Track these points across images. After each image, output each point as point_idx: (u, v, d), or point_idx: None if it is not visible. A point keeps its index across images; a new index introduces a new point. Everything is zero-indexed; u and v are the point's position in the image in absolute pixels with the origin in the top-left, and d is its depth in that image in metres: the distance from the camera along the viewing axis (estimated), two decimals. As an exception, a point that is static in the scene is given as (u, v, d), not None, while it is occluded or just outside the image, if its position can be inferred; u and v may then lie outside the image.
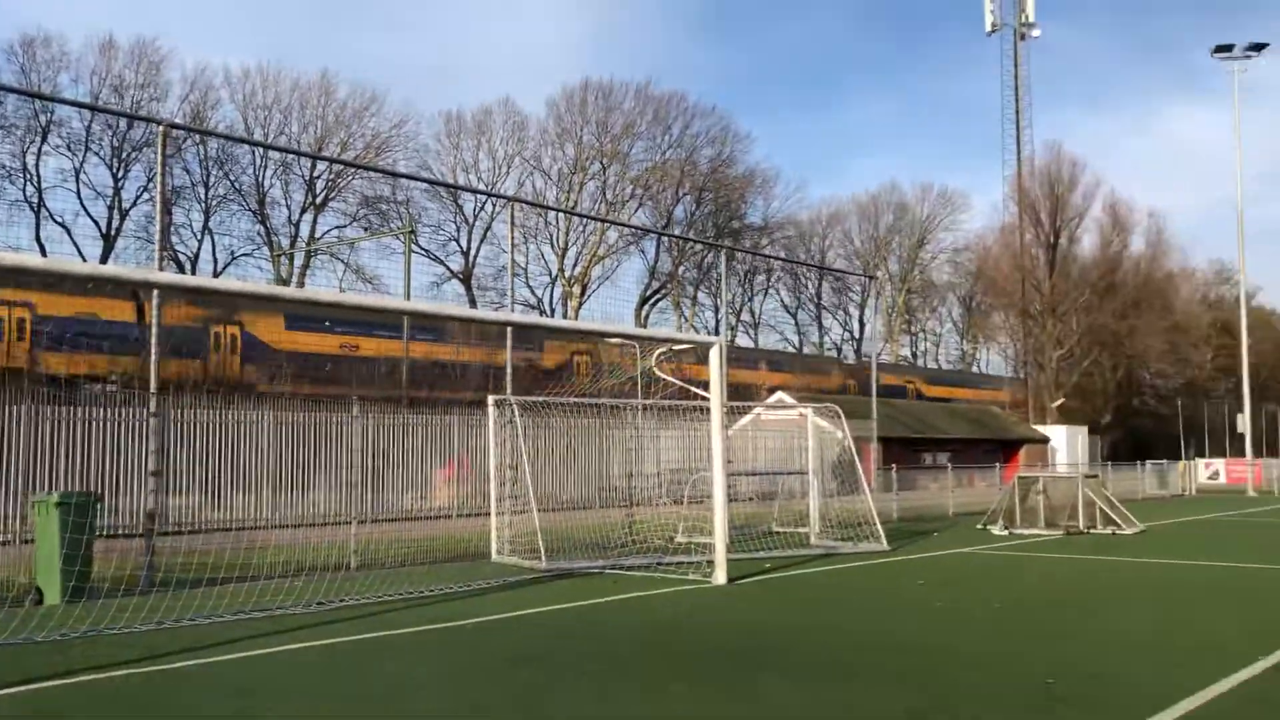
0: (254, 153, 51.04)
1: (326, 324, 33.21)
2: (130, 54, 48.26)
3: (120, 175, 47.30)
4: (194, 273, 47.14)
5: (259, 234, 52.52)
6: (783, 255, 71.69)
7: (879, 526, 17.71)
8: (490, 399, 16.02)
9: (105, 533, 14.85)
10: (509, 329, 16.60)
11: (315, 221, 54.80)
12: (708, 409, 13.63)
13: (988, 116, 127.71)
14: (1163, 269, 62.54)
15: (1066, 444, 50.00)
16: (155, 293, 12.82)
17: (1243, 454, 44.11)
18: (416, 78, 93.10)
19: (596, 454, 21.84)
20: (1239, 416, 45.35)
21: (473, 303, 57.23)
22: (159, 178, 13.13)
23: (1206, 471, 43.82)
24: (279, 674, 7.74)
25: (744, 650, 8.60)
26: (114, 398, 17.70)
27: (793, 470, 20.97)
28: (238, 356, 32.16)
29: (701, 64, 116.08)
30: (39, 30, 49.68)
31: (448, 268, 59.95)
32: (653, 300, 66.66)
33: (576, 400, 17.90)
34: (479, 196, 60.53)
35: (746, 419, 26.11)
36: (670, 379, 16.72)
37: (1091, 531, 20.15)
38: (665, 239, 64.15)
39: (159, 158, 13.23)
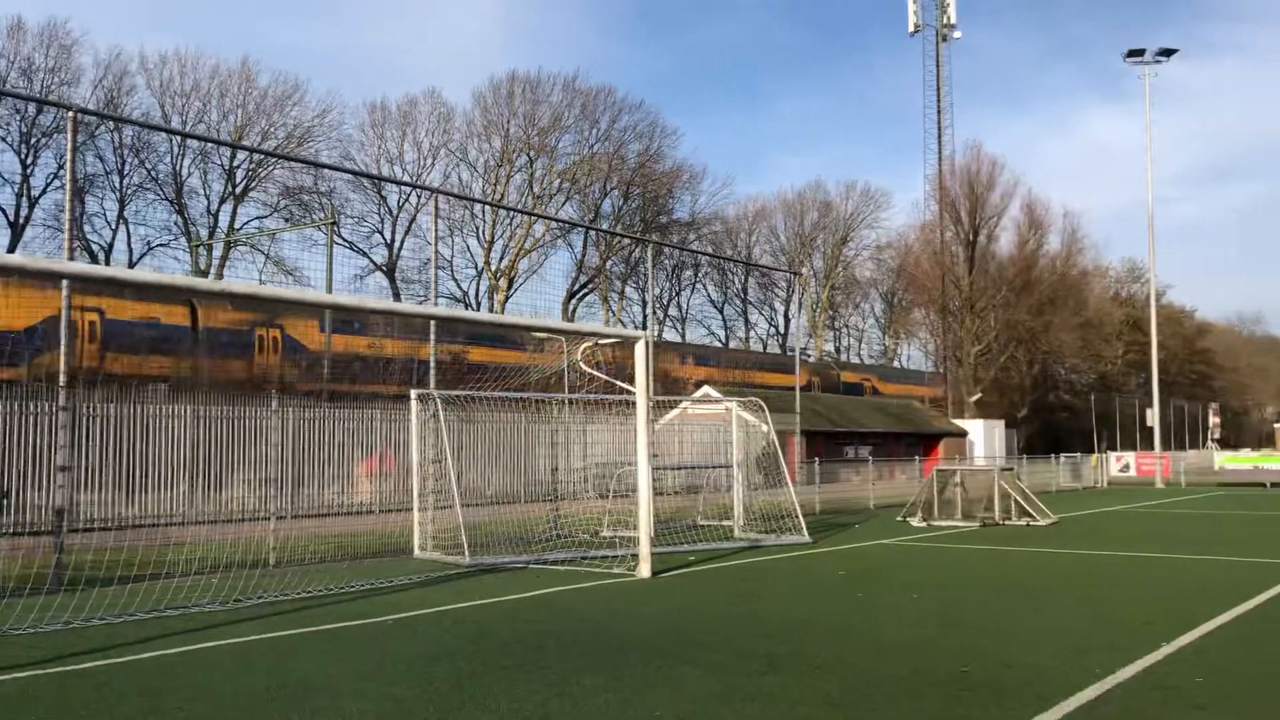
0: (171, 141, 49.82)
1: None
2: (40, 37, 46.84)
3: (29, 162, 45.88)
4: (108, 263, 45.83)
5: (176, 224, 51.31)
6: (710, 251, 72.13)
7: (801, 519, 17.93)
8: (413, 393, 15.88)
9: (12, 530, 14.41)
10: (432, 322, 16.44)
11: (235, 212, 53.74)
12: (634, 403, 13.67)
13: (910, 116, 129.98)
14: (1077, 267, 64.24)
15: (984, 437, 51.14)
16: (65, 283, 12.44)
17: (1152, 447, 45.53)
18: (340, 67, 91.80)
19: (522, 448, 21.77)
20: (1148, 411, 46.78)
21: (397, 296, 56.59)
22: (69, 165, 12.74)
23: (1117, 464, 45.10)
24: (191, 673, 7.58)
25: (665, 643, 8.65)
26: (22, 391, 17.16)
27: (718, 464, 21.12)
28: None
29: (629, 59, 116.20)
30: (-59, 10, 48.01)
31: (371, 260, 59.24)
32: (580, 294, 66.59)
33: (502, 394, 17.80)
34: (403, 188, 59.95)
35: (673, 413, 26.26)
36: (595, 373, 16.71)
37: (1007, 523, 20.63)
38: (593, 233, 64.14)
39: (69, 144, 12.86)
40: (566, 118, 63.61)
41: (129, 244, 49.88)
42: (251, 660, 8.06)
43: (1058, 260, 61.83)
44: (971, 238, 57.86)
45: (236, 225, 53.27)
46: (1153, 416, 45.47)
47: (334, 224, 41.40)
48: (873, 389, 61.74)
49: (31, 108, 44.15)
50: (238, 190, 53.15)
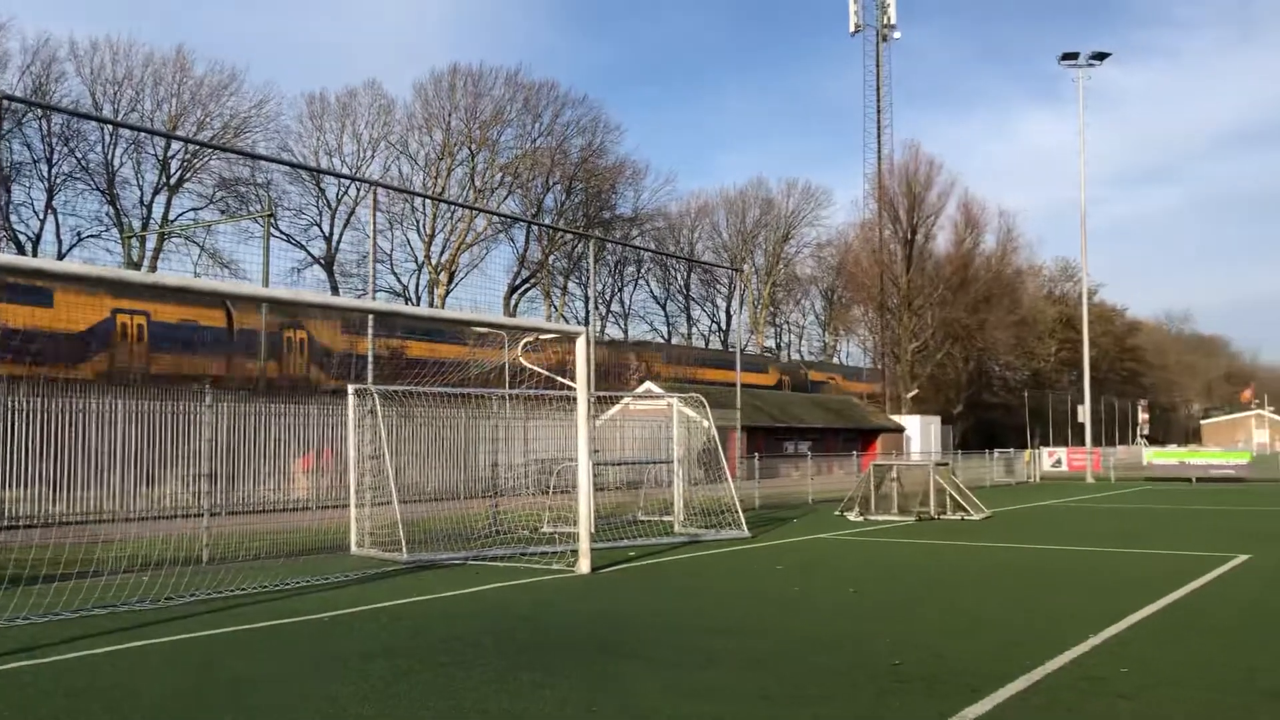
0: (102, 129, 48.67)
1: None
2: (-38, 21, 45.41)
3: (-49, 150, 44.50)
4: (35, 254, 44.69)
5: (108, 214, 50.20)
6: (652, 247, 72.26)
7: (740, 514, 18.04)
8: (350, 388, 15.70)
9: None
10: (370, 317, 16.27)
11: (169, 203, 52.67)
12: (575, 399, 13.65)
13: (851, 115, 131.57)
14: (1012, 266, 65.38)
15: (920, 433, 51.85)
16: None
17: (1083, 443, 46.50)
18: (278, 57, 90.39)
19: (462, 444, 21.63)
20: (1080, 407, 47.76)
21: (335, 290, 55.92)
22: (-7, 153, 12.39)
23: (1050, 459, 46.01)
24: (118, 673, 7.43)
25: (603, 638, 8.66)
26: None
27: (659, 459, 21.18)
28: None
29: (573, 54, 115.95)
30: None
31: (309, 253, 58.45)
32: (522, 289, 66.34)
33: (441, 390, 17.67)
34: (342, 180, 59.19)
35: (615, 409, 26.26)
36: (536, 369, 16.66)
37: (942, 517, 20.95)
38: (535, 228, 63.87)
39: (-7, 131, 12.51)
40: (509, 112, 63.34)
41: (58, 234, 48.78)
42: (182, 660, 7.92)
43: (993, 259, 62.87)
44: (909, 236, 58.58)
45: (171, 217, 52.26)
46: (1084, 413, 46.43)
47: (271, 216, 40.76)
48: (837, 389, 63.20)
49: (-46, 94, 42.84)
50: (172, 181, 52.10)
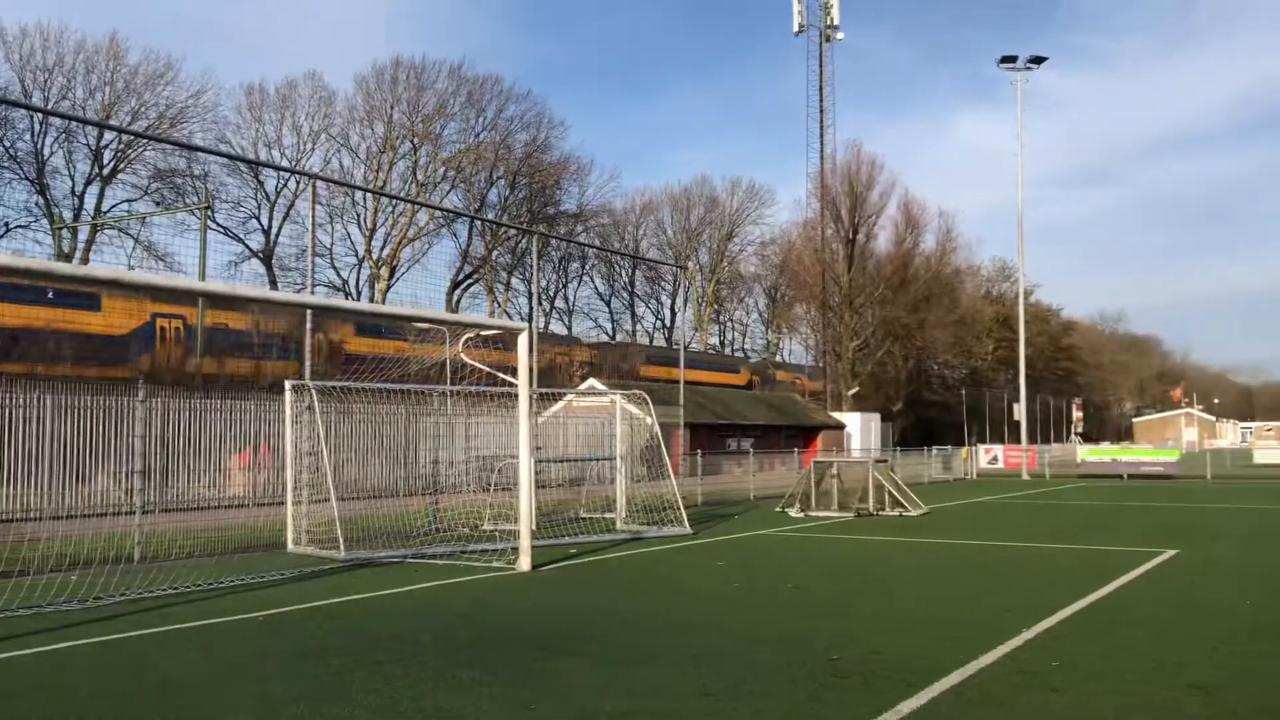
0: (32, 118, 47.38)
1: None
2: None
3: None
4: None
5: (37, 205, 48.84)
6: (597, 243, 72.19)
7: (683, 511, 18.09)
8: (288, 383, 15.47)
9: None
10: (308, 311, 16.04)
11: (102, 194, 51.44)
12: (516, 395, 13.57)
13: (795, 115, 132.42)
14: (951, 266, 66.37)
15: (861, 430, 52.41)
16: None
17: (1019, 440, 47.29)
18: (216, 46, 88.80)
19: (401, 441, 21.41)
20: (1016, 405, 48.57)
21: (274, 284, 55.08)
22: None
23: (986, 456, 46.73)
24: (42, 675, 7.24)
25: (543, 636, 8.62)
26: None
27: (601, 456, 21.15)
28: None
29: (517, 48, 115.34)
30: None
31: (247, 246, 57.55)
32: (465, 285, 65.86)
33: (381, 385, 17.47)
34: (282, 173, 58.30)
35: (558, 405, 26.17)
36: (479, 365, 16.54)
37: (881, 513, 21.18)
38: (478, 223, 63.44)
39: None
40: (452, 105, 62.83)
41: (-15, 225, 47.34)
42: (110, 661, 7.74)
43: (932, 259, 63.76)
44: (851, 235, 59.16)
45: (104, 208, 51.08)
46: (1019, 411, 47.22)
47: (208, 208, 40.05)
48: (803, 390, 64.03)
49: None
50: (105, 171, 50.92)
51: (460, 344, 16.72)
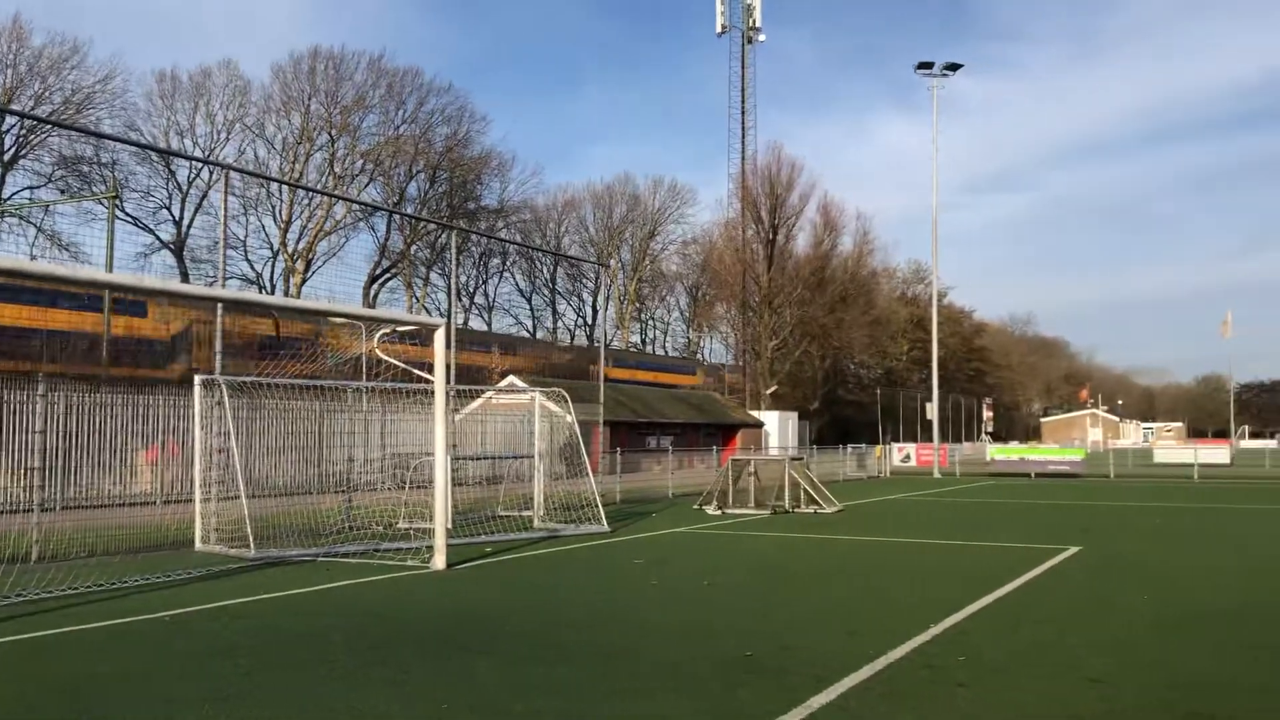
0: (-73, 100, 45.57)
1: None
2: None
3: None
4: None
5: (-68, 191, 47.01)
6: (518, 239, 71.80)
7: (600, 509, 18.09)
8: (197, 378, 15.11)
9: None
10: (219, 305, 15.68)
11: (2, 180, 49.59)
12: (433, 392, 13.44)
13: (717, 115, 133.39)
14: (867, 268, 67.46)
15: (779, 428, 53.02)
16: None
17: (931, 439, 48.26)
18: (126, 31, 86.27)
19: (316, 437, 21.04)
20: (928, 405, 49.56)
21: (185, 276, 53.72)
22: None
23: (899, 455, 47.61)
24: (-66, 680, 6.97)
25: (457, 635, 8.55)
26: None
27: (519, 454, 21.04)
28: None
29: (439, 41, 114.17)
30: None
31: (157, 237, 56.07)
32: (383, 279, 65.02)
33: (294, 381, 17.15)
34: (194, 163, 56.90)
35: (476, 403, 25.97)
36: (394, 361, 16.33)
37: (796, 511, 21.43)
38: (397, 217, 62.69)
39: None
40: (371, 97, 62.01)
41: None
42: (7, 663, 7.48)
43: (850, 260, 64.76)
44: (771, 236, 59.79)
45: (4, 195, 49.25)
46: (932, 410, 48.18)
47: (116, 197, 38.88)
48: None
49: None
50: (6, 158, 49.12)
51: (376, 339, 16.50)
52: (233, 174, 32.97)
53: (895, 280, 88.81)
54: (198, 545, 14.38)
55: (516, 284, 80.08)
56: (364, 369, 18.57)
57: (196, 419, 14.84)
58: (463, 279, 71.66)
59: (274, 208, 59.75)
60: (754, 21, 64.06)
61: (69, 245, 45.85)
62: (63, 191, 49.28)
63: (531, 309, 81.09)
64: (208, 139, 58.03)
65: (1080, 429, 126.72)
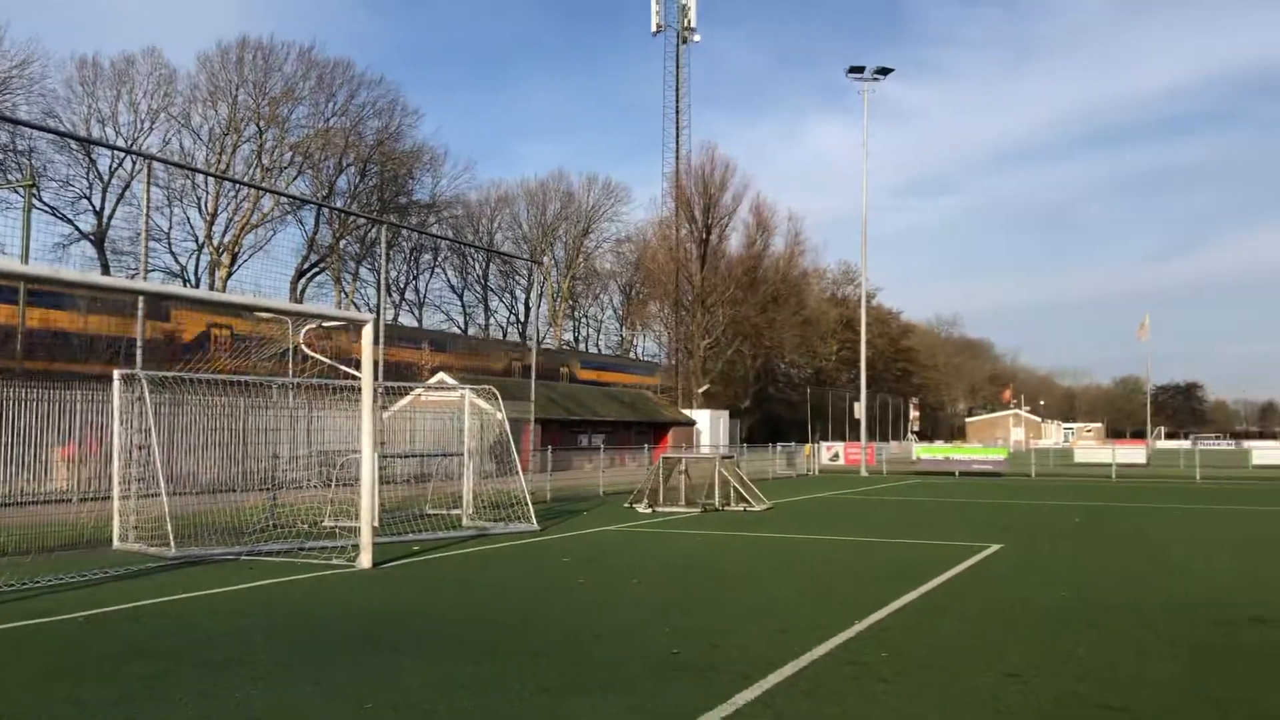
0: None
1: None
2: None
3: None
4: None
5: None
6: (450, 235, 71.20)
7: (530, 507, 18.01)
8: (116, 373, 14.72)
9: None
10: (141, 298, 15.30)
11: (-90, 166, 47.91)
12: (360, 389, 13.26)
13: (651, 114, 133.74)
14: (799, 268, 68.18)
15: (710, 427, 53.31)
16: None
17: (859, 438, 48.92)
18: (44, 15, 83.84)
19: (239, 434, 20.64)
20: (856, 404, 50.23)
21: (106, 268, 52.35)
22: None
23: (828, 453, 48.14)
24: None
25: (382, 633, 8.45)
26: None
27: (449, 452, 20.86)
28: None
29: (369, 33, 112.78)
30: None
31: (77, 228, 54.60)
32: (311, 274, 64.03)
33: (217, 376, 16.80)
34: (116, 152, 55.50)
35: (405, 400, 25.68)
36: (319, 357, 16.08)
37: (726, 509, 21.57)
38: (326, 210, 61.76)
39: None
40: (301, 89, 61.02)
41: None
42: (-92, 667, 7.22)
43: (781, 261, 65.39)
44: (704, 236, 60.13)
45: (-88, 181, 47.55)
46: (860, 409, 48.84)
47: (33, 187, 37.77)
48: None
49: None
50: (-85, 142, 47.47)
51: (302, 334, 16.24)
52: (157, 165, 32.15)
53: (825, 281, 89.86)
54: (115, 544, 14.03)
55: (448, 280, 79.48)
56: (290, 364, 18.27)
57: (116, 415, 14.47)
58: (393, 274, 70.91)
59: (199, 200, 58.58)
60: (689, 21, 64.29)
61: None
62: (-25, 179, 47.71)
63: (463, 305, 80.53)
64: (131, 128, 56.69)
65: (1004, 429, 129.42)
